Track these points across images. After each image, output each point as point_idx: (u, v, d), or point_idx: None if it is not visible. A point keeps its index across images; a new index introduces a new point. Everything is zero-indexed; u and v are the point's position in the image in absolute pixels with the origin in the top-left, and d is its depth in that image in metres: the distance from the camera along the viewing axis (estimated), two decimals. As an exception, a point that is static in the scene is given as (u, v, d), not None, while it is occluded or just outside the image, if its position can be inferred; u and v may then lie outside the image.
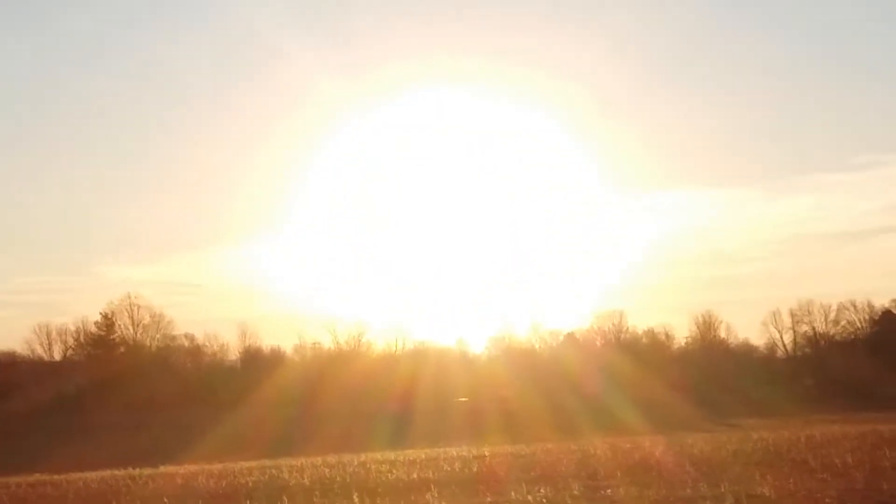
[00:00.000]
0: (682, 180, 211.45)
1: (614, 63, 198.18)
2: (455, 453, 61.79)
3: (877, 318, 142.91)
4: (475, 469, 45.09)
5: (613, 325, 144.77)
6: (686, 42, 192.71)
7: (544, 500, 30.03)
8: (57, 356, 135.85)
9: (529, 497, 30.55)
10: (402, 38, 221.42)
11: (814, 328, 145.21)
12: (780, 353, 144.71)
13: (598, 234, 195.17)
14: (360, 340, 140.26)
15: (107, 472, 58.89)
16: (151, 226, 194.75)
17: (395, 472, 45.21)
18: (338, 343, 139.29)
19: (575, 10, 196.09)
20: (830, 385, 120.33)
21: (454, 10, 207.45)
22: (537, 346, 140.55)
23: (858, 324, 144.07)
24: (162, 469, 61.03)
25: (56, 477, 55.10)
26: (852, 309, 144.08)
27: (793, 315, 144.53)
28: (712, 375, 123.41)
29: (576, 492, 31.44)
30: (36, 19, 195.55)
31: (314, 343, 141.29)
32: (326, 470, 49.42)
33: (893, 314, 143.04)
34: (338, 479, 42.93)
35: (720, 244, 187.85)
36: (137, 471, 58.16)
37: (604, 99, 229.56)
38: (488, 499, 32.24)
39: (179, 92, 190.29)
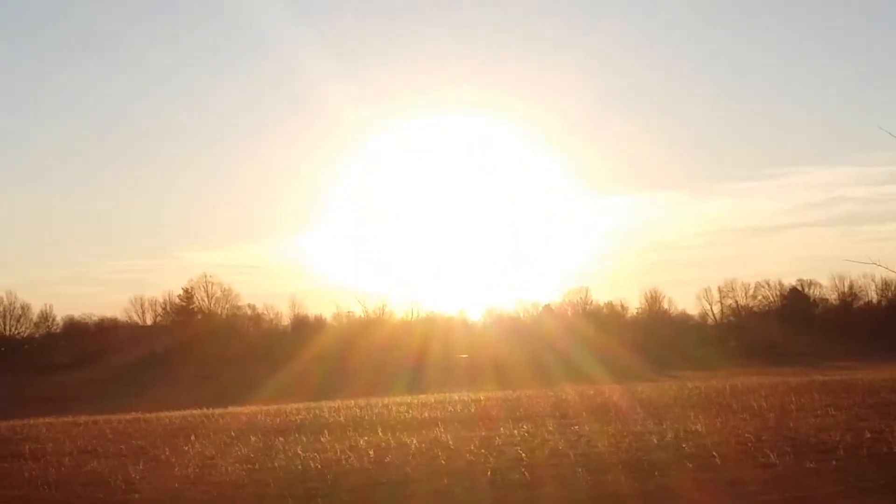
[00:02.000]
0: (632, 186, 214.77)
1: (576, 92, 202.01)
2: (457, 398, 62.73)
3: (786, 294, 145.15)
4: (473, 410, 42.92)
5: (580, 299, 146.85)
6: (632, 74, 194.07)
7: (526, 434, 28.89)
8: (149, 322, 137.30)
9: (515, 431, 29.67)
10: (411, 75, 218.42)
11: (736, 301, 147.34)
12: (710, 320, 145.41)
13: (568, 228, 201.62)
14: (383, 310, 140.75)
15: (186, 412, 58.87)
16: (222, 219, 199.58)
17: (411, 412, 43.20)
18: (366, 312, 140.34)
19: (543, 48, 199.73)
20: (750, 346, 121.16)
21: (447, 51, 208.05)
22: (521, 315, 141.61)
23: (771, 298, 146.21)
24: (230, 409, 61.90)
25: (148, 415, 53.67)
26: (766, 287, 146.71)
27: (720, 291, 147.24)
28: (658, 338, 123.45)
29: (551, 427, 30.54)
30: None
31: (348, 312, 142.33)
32: (357, 410, 50.84)
33: (798, 291, 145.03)
34: (366, 417, 41.10)
35: (661, 236, 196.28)
36: (210, 410, 58.71)
37: (569, 121, 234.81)
38: (483, 432, 30.56)
39: (243, 115, 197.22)
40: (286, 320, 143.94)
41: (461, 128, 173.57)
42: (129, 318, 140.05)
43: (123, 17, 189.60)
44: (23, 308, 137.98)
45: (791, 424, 28.32)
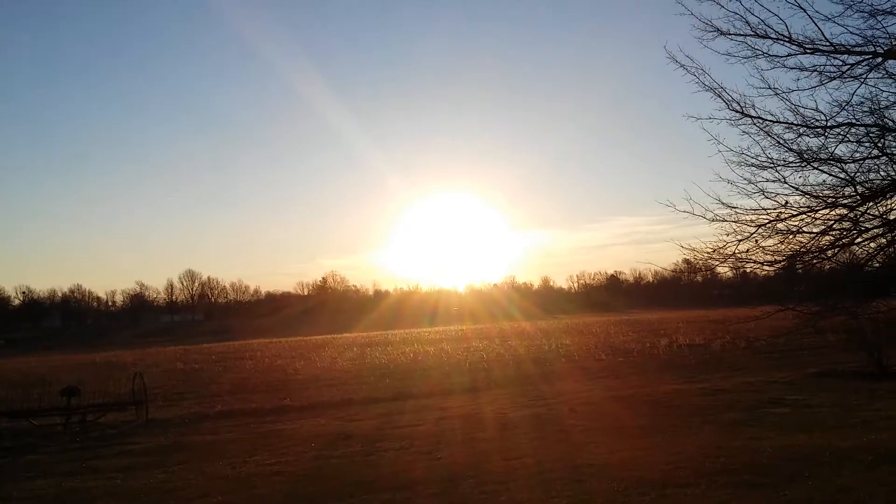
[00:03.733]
0: (536, 224, 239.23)
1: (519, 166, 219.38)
2: (452, 329, 71.87)
3: (609, 277, 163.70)
4: (459, 335, 54.18)
5: (511, 280, 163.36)
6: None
7: (485, 345, 37.05)
8: (306, 293, 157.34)
9: (479, 345, 38.02)
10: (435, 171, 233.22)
11: (586, 282, 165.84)
12: (573, 291, 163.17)
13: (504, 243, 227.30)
14: (416, 286, 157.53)
15: (321, 336, 69.49)
16: (339, 239, 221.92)
17: (429, 335, 55.49)
18: (407, 287, 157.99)
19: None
20: (593, 303, 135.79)
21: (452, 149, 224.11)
22: (482, 287, 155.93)
23: (602, 280, 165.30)
24: (343, 335, 70.78)
25: (304, 338, 65.56)
26: (601, 274, 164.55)
27: (578, 276, 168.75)
28: (547, 300, 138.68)
29: (497, 342, 39.10)
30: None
31: (395, 288, 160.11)
32: (403, 334, 59.12)
33: (616, 276, 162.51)
34: (408, 338, 52.66)
35: (552, 250, 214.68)
36: (332, 336, 68.57)
37: (508, 191, 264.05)
38: (464, 345, 39.16)
39: (340, 189, 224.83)
40: (371, 293, 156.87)
41: (461, 206, 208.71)
42: (294, 290, 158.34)
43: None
44: (246, 287, 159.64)
45: (611, 340, 36.42)
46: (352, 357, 35.55)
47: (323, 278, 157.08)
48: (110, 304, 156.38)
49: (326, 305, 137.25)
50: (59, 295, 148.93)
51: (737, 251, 15.89)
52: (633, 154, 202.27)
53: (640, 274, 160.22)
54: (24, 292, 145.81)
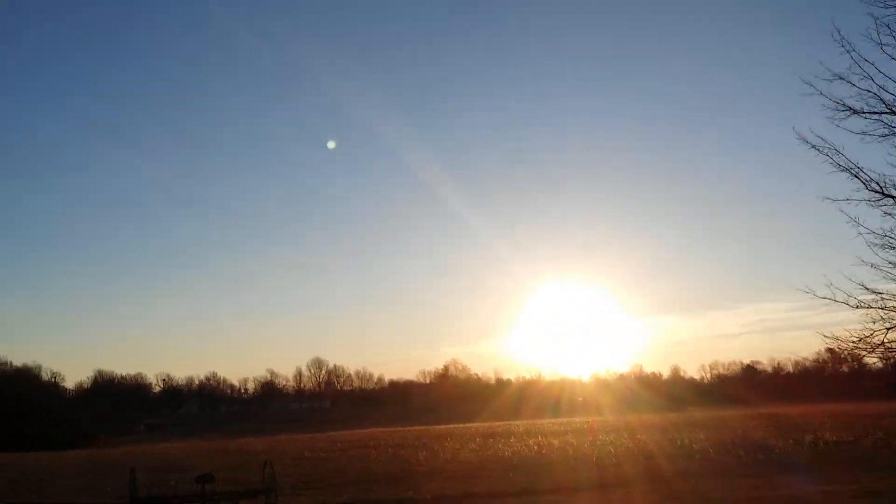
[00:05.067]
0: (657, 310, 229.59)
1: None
2: (577, 420, 68.55)
3: (745, 368, 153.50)
4: (585, 427, 52.20)
5: (637, 369, 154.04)
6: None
7: (613, 439, 35.95)
8: (427, 381, 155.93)
9: (606, 438, 36.83)
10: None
11: (719, 372, 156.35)
12: (706, 381, 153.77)
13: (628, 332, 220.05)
14: (539, 374, 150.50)
15: (443, 426, 67.14)
16: (462, 327, 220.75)
17: (553, 427, 53.39)
18: (530, 375, 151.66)
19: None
20: (725, 396, 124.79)
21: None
22: (607, 376, 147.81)
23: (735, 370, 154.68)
24: (465, 425, 68.18)
25: (427, 427, 66.31)
26: (736, 364, 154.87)
27: (710, 367, 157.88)
28: (676, 390, 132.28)
29: (625, 436, 37.53)
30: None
31: (518, 376, 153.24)
32: (527, 426, 56.46)
33: (752, 367, 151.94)
34: (532, 430, 50.99)
35: (676, 337, 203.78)
36: (455, 426, 67.24)
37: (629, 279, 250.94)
38: (590, 438, 37.95)
39: (461, 277, 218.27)
40: (493, 381, 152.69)
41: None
42: (417, 378, 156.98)
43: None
44: (370, 375, 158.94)
45: (750, 436, 34.69)
46: (475, 448, 35.33)
47: (445, 366, 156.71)
48: (243, 391, 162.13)
49: (448, 394, 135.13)
50: (196, 382, 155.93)
51: (886, 340, 14.68)
52: (763, 238, 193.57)
53: (778, 364, 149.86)
54: (164, 380, 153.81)
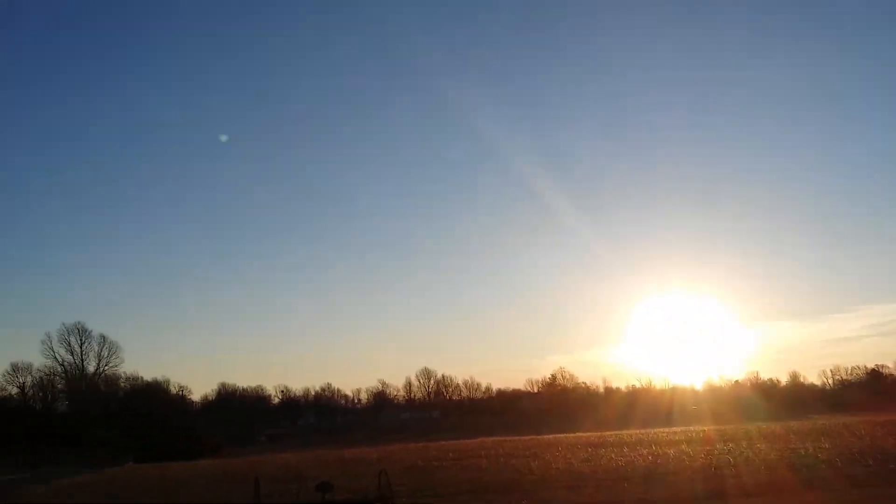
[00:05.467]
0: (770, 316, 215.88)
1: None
2: (692, 429, 67.82)
3: (868, 372, 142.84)
4: (700, 436, 49.75)
5: (753, 376, 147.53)
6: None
7: (731, 448, 34.78)
8: (535, 390, 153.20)
9: (724, 447, 35.76)
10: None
11: (841, 378, 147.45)
12: (828, 387, 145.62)
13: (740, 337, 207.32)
14: (649, 382, 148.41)
15: (552, 436, 63.87)
16: (569, 335, 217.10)
17: (667, 436, 50.92)
18: (640, 383, 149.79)
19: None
20: (847, 402, 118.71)
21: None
22: (721, 383, 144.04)
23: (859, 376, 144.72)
24: (575, 434, 66.10)
25: (537, 437, 64.01)
26: (860, 369, 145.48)
27: (832, 371, 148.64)
28: (796, 396, 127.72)
29: (743, 445, 36.48)
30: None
31: (627, 384, 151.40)
32: (639, 436, 53.46)
33: (877, 371, 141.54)
34: (644, 439, 49.34)
35: (792, 343, 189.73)
36: (564, 435, 64.25)
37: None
38: (707, 447, 36.69)
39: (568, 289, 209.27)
40: (601, 389, 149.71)
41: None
42: (526, 388, 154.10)
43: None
44: (478, 384, 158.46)
45: (879, 444, 33.08)
46: (585, 457, 34.75)
47: (552, 375, 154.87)
48: (356, 401, 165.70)
49: (556, 402, 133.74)
50: (312, 394, 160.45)
51: None
52: (884, 236, 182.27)
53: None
54: (282, 391, 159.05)
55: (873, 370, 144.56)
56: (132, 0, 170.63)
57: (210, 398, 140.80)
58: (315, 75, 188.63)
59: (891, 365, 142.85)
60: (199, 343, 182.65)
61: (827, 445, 32.92)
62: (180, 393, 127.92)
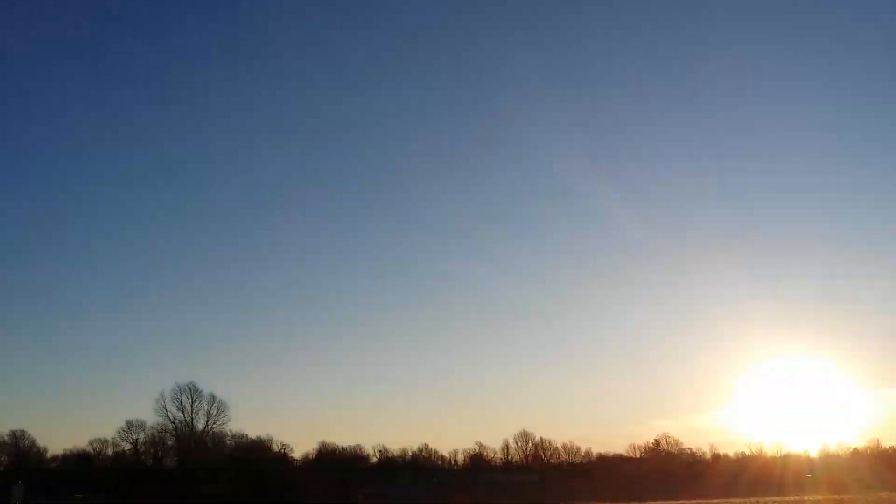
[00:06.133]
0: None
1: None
2: (807, 499, 68.45)
3: None
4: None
5: (872, 444, 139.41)
6: None
7: None
8: (637, 454, 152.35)
9: None
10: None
11: None
12: None
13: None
14: (760, 448, 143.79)
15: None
16: (672, 399, 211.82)
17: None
18: (750, 450, 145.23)
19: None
20: None
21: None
22: (838, 451, 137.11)
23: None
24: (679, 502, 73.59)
25: None
26: None
27: None
28: None
29: None
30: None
31: (736, 451, 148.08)
32: (753, 501, 59.77)
33: None
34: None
35: None
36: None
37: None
38: None
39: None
40: (708, 455, 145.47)
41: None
42: (627, 453, 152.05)
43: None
44: (578, 448, 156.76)
45: None
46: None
47: (656, 440, 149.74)
48: (452, 462, 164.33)
49: (660, 468, 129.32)
50: (409, 454, 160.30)
51: None
52: None
53: None
54: (380, 451, 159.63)
55: None
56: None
57: (311, 456, 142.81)
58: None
59: None
60: (302, 402, 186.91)
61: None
62: (283, 451, 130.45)
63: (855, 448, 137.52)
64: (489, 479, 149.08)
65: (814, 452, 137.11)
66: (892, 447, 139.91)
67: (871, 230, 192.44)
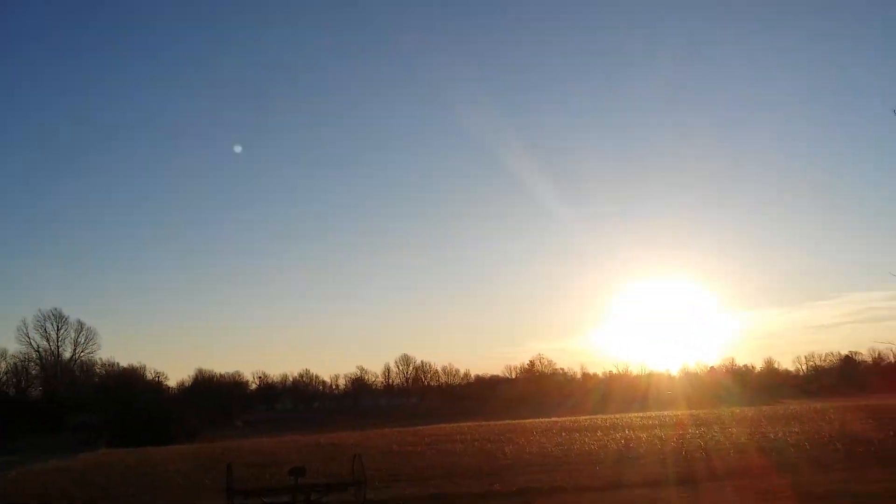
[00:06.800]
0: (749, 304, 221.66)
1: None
2: (666, 414, 67.15)
3: (842, 359, 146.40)
4: (674, 420, 50.79)
5: (728, 362, 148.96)
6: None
7: (703, 432, 35.34)
8: (513, 375, 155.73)
9: (696, 431, 36.10)
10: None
11: (815, 364, 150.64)
12: (801, 373, 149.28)
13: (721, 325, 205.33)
14: (626, 368, 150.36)
15: (528, 420, 61.45)
16: (548, 322, 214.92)
17: (641, 421, 50.87)
18: (616, 369, 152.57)
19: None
20: (821, 387, 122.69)
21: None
22: (698, 371, 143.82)
23: (833, 362, 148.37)
24: (550, 419, 61.93)
25: (512, 422, 62.19)
26: (833, 356, 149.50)
27: (806, 358, 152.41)
28: (769, 382, 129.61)
29: (716, 429, 37.05)
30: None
31: (604, 371, 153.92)
32: (613, 420, 58.72)
33: (851, 357, 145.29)
34: (618, 423, 49.05)
35: (771, 330, 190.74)
36: (539, 419, 62.49)
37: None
38: (679, 431, 37.24)
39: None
40: (578, 375, 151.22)
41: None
42: (504, 374, 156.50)
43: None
44: (456, 370, 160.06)
45: (848, 428, 33.07)
46: (559, 442, 34.99)
47: (530, 361, 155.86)
48: (334, 387, 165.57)
49: (534, 388, 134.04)
50: (290, 379, 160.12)
51: None
52: (863, 225, 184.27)
53: (878, 354, 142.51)
54: (259, 377, 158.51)
55: (846, 357, 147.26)
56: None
57: (186, 384, 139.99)
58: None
59: (864, 352, 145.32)
60: (176, 330, 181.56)
61: (797, 430, 33.40)
62: (157, 379, 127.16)
63: (711, 366, 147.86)
64: (370, 403, 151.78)
65: (675, 371, 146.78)
66: (744, 365, 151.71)
67: (734, 159, 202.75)
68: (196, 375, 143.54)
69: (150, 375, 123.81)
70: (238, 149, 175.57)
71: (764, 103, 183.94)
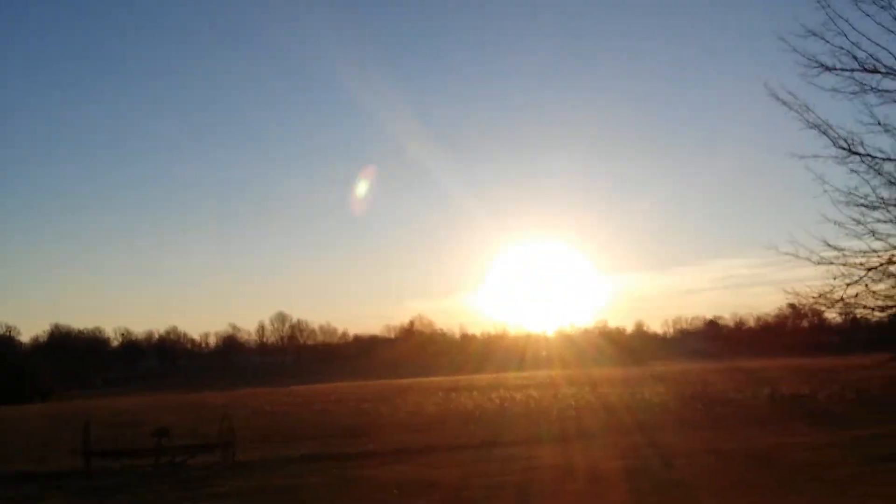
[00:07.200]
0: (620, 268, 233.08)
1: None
2: (540, 374, 69.60)
3: (708, 322, 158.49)
4: (548, 380, 52.35)
5: (601, 324, 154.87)
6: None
7: (575, 392, 36.55)
8: (392, 336, 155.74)
9: (568, 391, 37.54)
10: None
11: (682, 327, 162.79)
12: (668, 336, 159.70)
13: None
14: (504, 328, 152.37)
15: (405, 380, 67.20)
16: (428, 282, 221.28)
17: (517, 380, 53.77)
18: (495, 330, 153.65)
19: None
20: (691, 350, 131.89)
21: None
22: (572, 333, 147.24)
23: (700, 325, 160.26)
24: (429, 379, 67.73)
25: (389, 381, 67.19)
26: (699, 319, 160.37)
27: (673, 322, 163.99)
28: (637, 344, 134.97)
29: (587, 389, 38.43)
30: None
31: (483, 331, 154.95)
32: (490, 380, 56.82)
33: (715, 322, 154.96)
34: (495, 384, 51.00)
35: (641, 294, 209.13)
36: (418, 379, 66.78)
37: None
38: (553, 391, 38.50)
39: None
40: (457, 336, 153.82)
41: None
42: (383, 334, 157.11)
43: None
44: (335, 329, 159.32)
45: (709, 389, 34.72)
46: (437, 402, 35.87)
47: (410, 321, 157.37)
48: (204, 345, 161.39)
49: (413, 348, 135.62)
50: (156, 337, 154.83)
51: (845, 296, 15.10)
52: (729, 195, 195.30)
53: (740, 319, 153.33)
54: (122, 334, 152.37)
55: (711, 321, 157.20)
56: None
57: (41, 340, 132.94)
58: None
59: (727, 317, 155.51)
60: (30, 281, 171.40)
61: (663, 390, 35.51)
62: (7, 333, 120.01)
63: (585, 328, 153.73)
64: (243, 362, 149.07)
65: (551, 332, 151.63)
66: (616, 327, 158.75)
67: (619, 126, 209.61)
68: (52, 330, 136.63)
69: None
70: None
71: (638, 71, 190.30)
